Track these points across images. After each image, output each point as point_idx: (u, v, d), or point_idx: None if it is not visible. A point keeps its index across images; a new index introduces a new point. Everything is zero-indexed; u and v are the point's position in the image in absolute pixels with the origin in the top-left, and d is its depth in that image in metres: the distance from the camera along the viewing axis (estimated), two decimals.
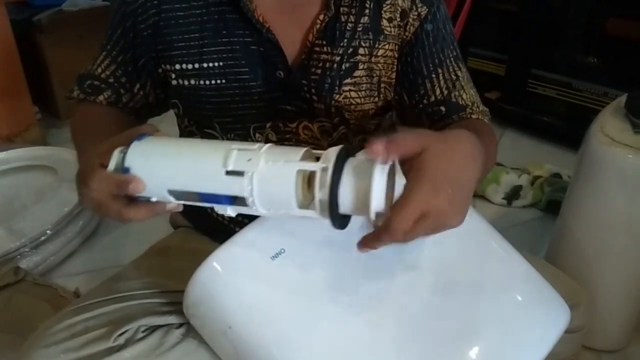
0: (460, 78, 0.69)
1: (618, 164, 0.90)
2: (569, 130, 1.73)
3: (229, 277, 0.53)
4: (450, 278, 0.57)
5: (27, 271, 1.21)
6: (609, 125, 0.94)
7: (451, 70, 0.69)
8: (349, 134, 0.71)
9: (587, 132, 0.96)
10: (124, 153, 0.48)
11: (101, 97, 0.71)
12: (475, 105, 0.69)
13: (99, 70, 0.70)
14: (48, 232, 1.27)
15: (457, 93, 0.69)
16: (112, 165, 0.48)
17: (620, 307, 1.03)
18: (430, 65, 0.68)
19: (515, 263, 0.61)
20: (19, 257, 1.23)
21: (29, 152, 1.53)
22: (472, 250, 0.60)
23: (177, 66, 0.66)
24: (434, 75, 0.69)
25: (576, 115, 1.77)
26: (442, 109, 0.68)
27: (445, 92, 0.69)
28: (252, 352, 0.52)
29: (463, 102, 0.69)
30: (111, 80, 0.70)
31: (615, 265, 0.98)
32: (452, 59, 0.69)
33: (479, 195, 1.57)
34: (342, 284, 0.55)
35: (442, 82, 0.69)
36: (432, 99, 0.69)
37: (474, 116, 0.68)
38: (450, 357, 0.53)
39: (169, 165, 0.47)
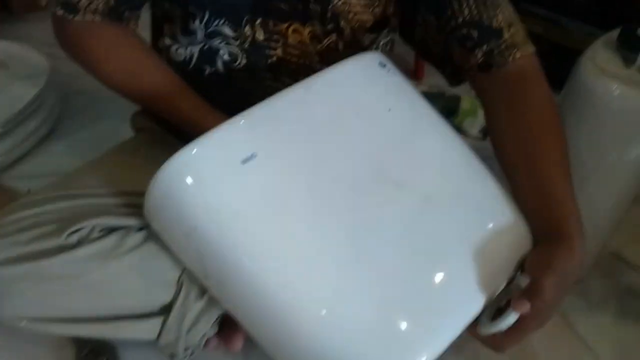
0: None
1: (605, 97, 0.88)
2: (553, 69, 1.70)
3: (195, 178, 0.49)
4: (431, 193, 0.55)
5: None
6: (599, 57, 0.91)
7: None
8: (339, 43, 0.66)
9: (577, 63, 0.93)
10: None
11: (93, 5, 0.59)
12: (514, 27, 0.62)
13: None
14: None
15: (491, 13, 0.61)
16: None
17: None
18: None
19: (489, 184, 0.64)
20: None
21: None
22: (455, 168, 0.62)
23: None
24: None
25: (561, 55, 1.73)
26: (474, 33, 0.61)
27: (475, 11, 0.61)
28: (218, 255, 0.48)
29: (498, 25, 0.61)
30: None
31: (587, 201, 0.98)
32: None
33: (456, 127, 1.56)
34: (317, 193, 0.51)
35: (471, 0, 0.61)
36: (460, 19, 0.62)
37: (517, 55, 0.62)
38: (420, 270, 0.51)
39: None
